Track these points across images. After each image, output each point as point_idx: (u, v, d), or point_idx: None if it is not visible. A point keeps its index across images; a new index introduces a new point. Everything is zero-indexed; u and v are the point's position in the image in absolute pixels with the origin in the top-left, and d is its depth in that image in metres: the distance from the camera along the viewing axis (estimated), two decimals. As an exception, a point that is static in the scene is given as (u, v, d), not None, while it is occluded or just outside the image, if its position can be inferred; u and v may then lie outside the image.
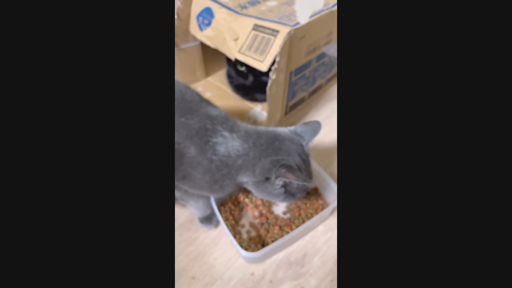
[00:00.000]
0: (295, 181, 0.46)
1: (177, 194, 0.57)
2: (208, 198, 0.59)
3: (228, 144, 0.47)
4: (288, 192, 0.50)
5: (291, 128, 0.53)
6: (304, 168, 0.50)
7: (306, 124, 0.53)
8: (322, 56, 0.79)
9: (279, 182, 0.47)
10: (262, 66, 0.62)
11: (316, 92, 0.91)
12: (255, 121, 0.83)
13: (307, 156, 0.52)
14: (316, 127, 0.53)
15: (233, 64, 0.81)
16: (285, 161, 0.47)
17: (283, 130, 0.52)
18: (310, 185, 0.47)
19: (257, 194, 0.51)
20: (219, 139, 0.47)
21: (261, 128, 0.51)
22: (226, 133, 0.48)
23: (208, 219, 0.61)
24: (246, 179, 0.49)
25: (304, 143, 0.52)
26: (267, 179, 0.47)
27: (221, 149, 0.47)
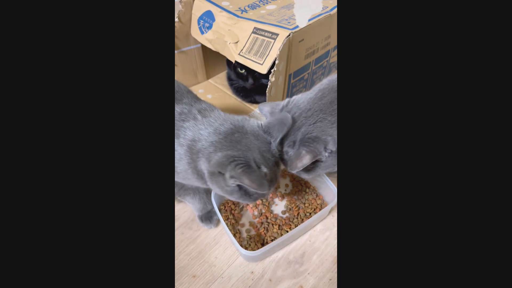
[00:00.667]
0: (246, 181, 0.41)
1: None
2: (204, 195, 0.60)
3: (196, 128, 0.45)
4: (243, 191, 0.45)
5: (262, 123, 0.47)
6: (267, 168, 0.44)
7: (272, 115, 0.48)
8: (320, 59, 0.80)
9: (233, 182, 0.43)
10: (261, 68, 0.64)
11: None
12: (255, 123, 0.84)
13: (273, 156, 0.46)
14: (283, 119, 0.45)
15: (233, 67, 0.83)
16: (243, 159, 0.42)
17: (252, 123, 0.47)
18: (266, 193, 0.42)
19: (211, 187, 0.47)
20: (190, 123, 0.45)
21: (230, 116, 0.47)
22: (198, 116, 0.46)
23: (208, 218, 0.62)
24: (202, 167, 0.45)
25: (272, 140, 0.45)
26: (221, 173, 0.43)
27: (190, 133, 0.45)
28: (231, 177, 0.42)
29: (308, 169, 0.49)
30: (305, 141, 0.45)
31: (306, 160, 0.45)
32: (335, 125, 0.45)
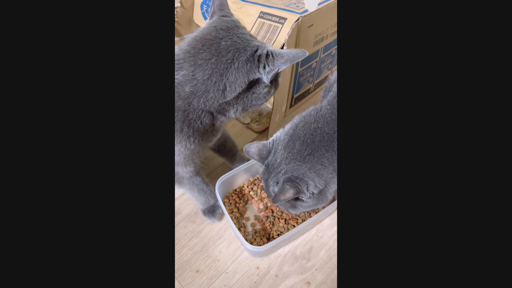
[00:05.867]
0: (289, 59, 0.37)
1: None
2: (207, 187, 0.58)
3: (181, 72, 0.39)
4: (274, 83, 0.43)
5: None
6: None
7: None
8: (329, 46, 0.76)
9: (269, 74, 0.38)
10: (268, 55, 0.61)
11: (322, 84, 0.89)
12: (260, 113, 0.81)
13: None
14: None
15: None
16: (261, 48, 0.38)
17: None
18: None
19: (241, 113, 0.43)
20: (180, 72, 0.39)
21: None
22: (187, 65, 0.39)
23: (211, 212, 0.60)
24: (207, 103, 0.39)
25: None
26: (251, 85, 0.39)
27: (178, 77, 0.39)
28: (266, 66, 0.38)
29: (293, 206, 0.51)
30: (289, 179, 0.46)
31: (289, 194, 0.46)
32: (313, 170, 0.46)
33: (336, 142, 0.46)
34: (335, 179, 0.48)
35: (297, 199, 0.50)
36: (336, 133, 0.46)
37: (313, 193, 0.48)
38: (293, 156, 0.47)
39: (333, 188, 0.49)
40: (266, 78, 0.39)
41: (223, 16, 0.42)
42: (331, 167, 0.46)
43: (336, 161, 0.46)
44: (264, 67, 0.38)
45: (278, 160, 0.48)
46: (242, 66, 0.38)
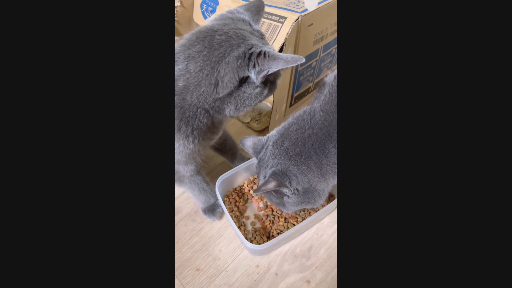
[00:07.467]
0: (281, 62, 0.36)
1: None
2: (207, 186, 0.59)
3: (177, 67, 0.39)
4: (269, 85, 0.42)
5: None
6: None
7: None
8: (329, 45, 0.76)
9: (260, 75, 0.38)
10: (268, 54, 0.61)
11: (321, 83, 0.89)
12: (260, 112, 0.81)
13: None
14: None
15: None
16: (256, 46, 0.37)
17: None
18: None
19: (235, 112, 0.42)
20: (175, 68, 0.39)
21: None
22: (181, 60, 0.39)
23: (211, 210, 0.60)
24: (200, 98, 0.39)
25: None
26: (242, 81, 0.38)
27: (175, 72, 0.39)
28: (259, 69, 0.37)
29: (280, 202, 0.52)
30: (274, 172, 0.47)
31: (270, 185, 0.46)
32: (297, 168, 0.47)
33: (327, 145, 0.47)
34: (324, 184, 0.48)
35: (282, 195, 0.50)
36: (327, 137, 0.47)
37: (297, 189, 0.48)
38: (279, 152, 0.48)
39: (321, 190, 0.49)
40: (255, 78, 0.39)
41: (227, 12, 0.43)
42: (317, 171, 0.47)
43: (325, 165, 0.47)
44: (254, 66, 0.37)
45: (267, 155, 0.49)
46: (233, 62, 0.37)
